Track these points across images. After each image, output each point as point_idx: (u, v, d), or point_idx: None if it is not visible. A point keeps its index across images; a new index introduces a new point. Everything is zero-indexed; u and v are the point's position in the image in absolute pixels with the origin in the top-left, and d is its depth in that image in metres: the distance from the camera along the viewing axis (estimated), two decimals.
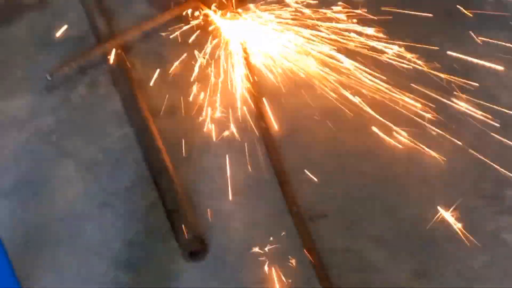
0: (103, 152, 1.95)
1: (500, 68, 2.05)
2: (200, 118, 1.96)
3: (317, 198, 1.84)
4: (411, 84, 1.96)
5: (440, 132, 1.89)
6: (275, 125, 1.95)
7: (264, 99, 1.98)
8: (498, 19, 2.22)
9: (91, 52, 2.11)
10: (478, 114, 1.93)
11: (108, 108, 2.04)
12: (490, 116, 1.93)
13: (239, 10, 2.14)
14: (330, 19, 2.07)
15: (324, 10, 2.08)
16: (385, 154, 1.90)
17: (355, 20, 2.05)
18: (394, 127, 1.90)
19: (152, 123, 1.96)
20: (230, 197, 1.82)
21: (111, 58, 2.10)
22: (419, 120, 1.91)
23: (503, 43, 2.10)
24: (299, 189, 1.85)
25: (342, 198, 1.84)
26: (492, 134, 1.90)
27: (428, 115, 1.91)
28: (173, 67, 2.06)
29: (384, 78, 1.97)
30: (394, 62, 2.00)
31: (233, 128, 1.94)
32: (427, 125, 1.90)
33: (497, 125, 1.92)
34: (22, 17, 2.27)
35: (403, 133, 1.89)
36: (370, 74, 1.98)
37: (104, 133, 1.99)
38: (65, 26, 2.19)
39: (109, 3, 2.29)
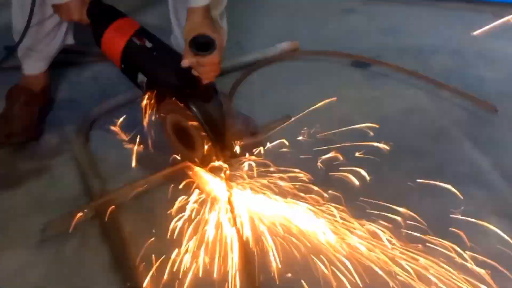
0: None
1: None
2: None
3: None
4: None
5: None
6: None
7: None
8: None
9: (84, 209, 2.20)
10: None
11: (98, 259, 2.09)
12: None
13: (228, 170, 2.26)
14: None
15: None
16: None
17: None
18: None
19: (139, 270, 2.00)
20: None
21: (103, 214, 2.19)
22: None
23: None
24: None
25: None
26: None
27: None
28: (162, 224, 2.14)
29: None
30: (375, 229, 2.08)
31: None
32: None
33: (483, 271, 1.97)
34: (20, 183, 2.40)
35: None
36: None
37: (92, 282, 2.01)
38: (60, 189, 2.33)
39: (104, 167, 2.42)
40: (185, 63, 2.18)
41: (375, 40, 3.19)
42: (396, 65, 2.94)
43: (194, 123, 2.22)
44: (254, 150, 2.34)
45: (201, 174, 2.28)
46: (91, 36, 2.45)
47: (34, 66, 2.70)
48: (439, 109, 2.71)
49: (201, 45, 2.14)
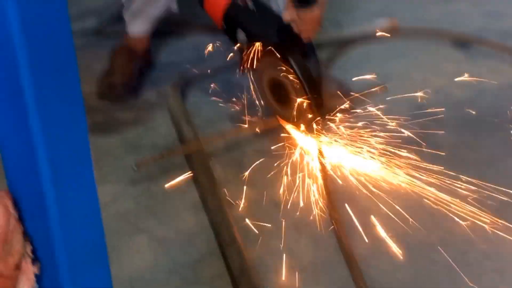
0: (176, 231, 2.01)
1: None
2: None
3: (386, 283, 1.80)
4: None
5: None
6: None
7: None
8: None
9: (175, 151, 2.25)
10: None
11: (186, 198, 2.14)
12: None
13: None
14: None
15: None
16: (458, 243, 1.87)
17: None
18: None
19: (226, 207, 2.03)
20: (297, 274, 1.81)
21: (193, 159, 2.23)
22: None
23: None
24: (367, 274, 1.82)
25: (411, 284, 1.79)
26: None
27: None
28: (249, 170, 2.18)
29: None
30: None
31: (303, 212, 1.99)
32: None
33: None
34: (117, 130, 2.49)
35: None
36: None
37: (179, 218, 2.06)
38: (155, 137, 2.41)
39: (197, 121, 2.48)
40: (286, 16, 2.21)
41: (477, 23, 3.12)
42: (498, 44, 2.86)
43: (291, 78, 2.23)
44: (347, 110, 2.34)
45: (293, 130, 2.29)
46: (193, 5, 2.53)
47: (138, 27, 2.81)
48: None
49: (303, 0, 2.17)
